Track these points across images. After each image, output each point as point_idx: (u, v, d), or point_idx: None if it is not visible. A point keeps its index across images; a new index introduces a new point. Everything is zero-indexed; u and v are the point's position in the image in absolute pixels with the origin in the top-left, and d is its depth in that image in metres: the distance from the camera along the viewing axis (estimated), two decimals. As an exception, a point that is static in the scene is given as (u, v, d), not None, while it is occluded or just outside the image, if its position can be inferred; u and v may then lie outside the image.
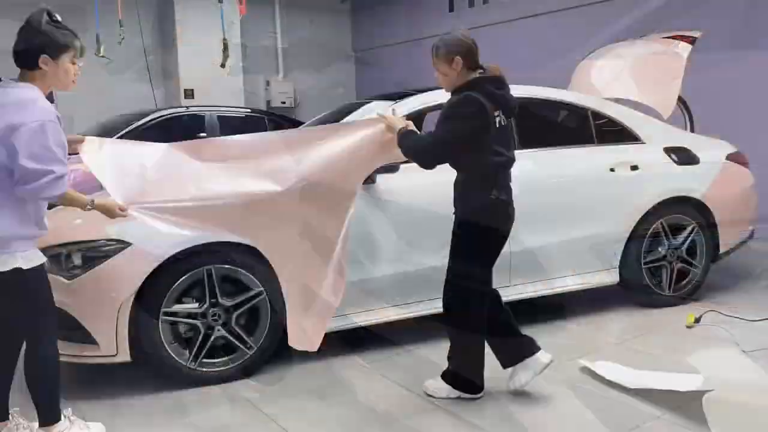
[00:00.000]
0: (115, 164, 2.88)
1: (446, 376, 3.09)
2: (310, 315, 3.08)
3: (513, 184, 3.07)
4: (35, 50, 2.48)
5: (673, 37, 4.90)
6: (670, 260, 4.29)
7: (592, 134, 4.28)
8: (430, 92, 4.01)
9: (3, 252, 2.38)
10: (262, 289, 3.30)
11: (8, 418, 2.75)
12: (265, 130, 7.33)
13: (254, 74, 10.49)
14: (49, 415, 2.64)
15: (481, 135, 2.84)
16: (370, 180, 3.49)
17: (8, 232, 2.38)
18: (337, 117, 4.28)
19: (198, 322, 3.23)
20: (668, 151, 4.34)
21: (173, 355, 3.19)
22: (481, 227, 2.94)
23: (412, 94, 3.99)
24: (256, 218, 2.91)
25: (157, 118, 6.73)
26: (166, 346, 3.17)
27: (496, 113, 2.89)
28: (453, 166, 2.96)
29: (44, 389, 2.62)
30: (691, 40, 4.83)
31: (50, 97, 2.65)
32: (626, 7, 7.33)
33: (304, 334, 3.09)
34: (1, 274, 2.38)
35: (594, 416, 2.85)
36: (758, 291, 4.69)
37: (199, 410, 3.01)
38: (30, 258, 2.45)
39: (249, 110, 7.97)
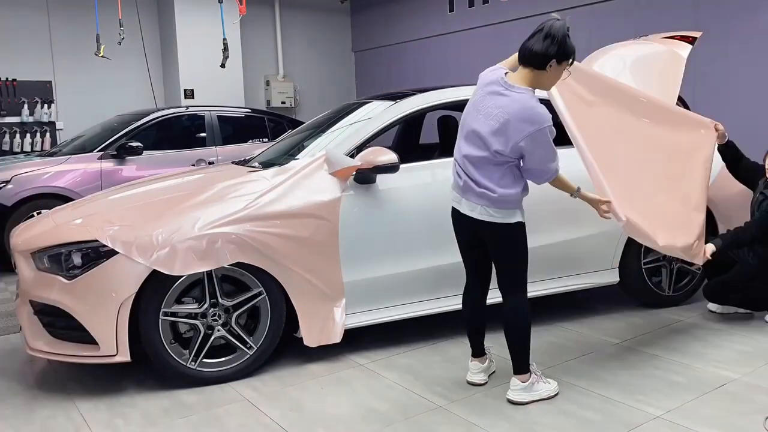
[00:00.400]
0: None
1: None
2: (323, 311, 3.43)
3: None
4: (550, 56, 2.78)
5: (673, 38, 4.89)
6: (669, 260, 4.30)
7: (592, 134, 4.27)
8: (430, 92, 4.01)
9: (513, 208, 2.85)
10: (262, 289, 3.30)
11: (484, 354, 3.23)
12: (265, 130, 7.36)
13: (254, 74, 10.50)
14: (518, 366, 2.99)
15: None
16: (369, 180, 3.50)
17: (517, 196, 2.86)
18: (337, 117, 4.29)
19: (198, 322, 3.23)
20: (668, 151, 4.33)
21: (173, 355, 3.19)
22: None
23: (412, 94, 3.99)
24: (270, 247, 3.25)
25: (157, 118, 6.74)
26: (166, 345, 3.17)
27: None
28: None
29: (514, 340, 2.98)
30: (691, 40, 4.82)
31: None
32: (626, 7, 7.34)
33: (321, 331, 3.42)
34: (507, 225, 2.86)
35: (594, 416, 2.85)
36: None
37: (199, 410, 3.01)
38: (523, 215, 2.94)
39: (249, 110, 7.98)
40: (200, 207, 3.28)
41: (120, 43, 6.85)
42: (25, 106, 8.57)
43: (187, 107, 7.12)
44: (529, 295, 3.91)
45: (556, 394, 3.03)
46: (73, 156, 6.30)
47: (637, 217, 3.17)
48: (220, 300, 3.25)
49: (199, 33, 9.31)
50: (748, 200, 4.63)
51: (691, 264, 4.37)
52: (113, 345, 3.08)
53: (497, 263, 3.00)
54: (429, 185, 3.74)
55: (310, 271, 3.36)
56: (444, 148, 4.72)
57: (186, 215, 3.21)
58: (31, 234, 3.41)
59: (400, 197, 3.60)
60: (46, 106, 8.70)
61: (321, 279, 3.39)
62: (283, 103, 10.65)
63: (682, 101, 4.81)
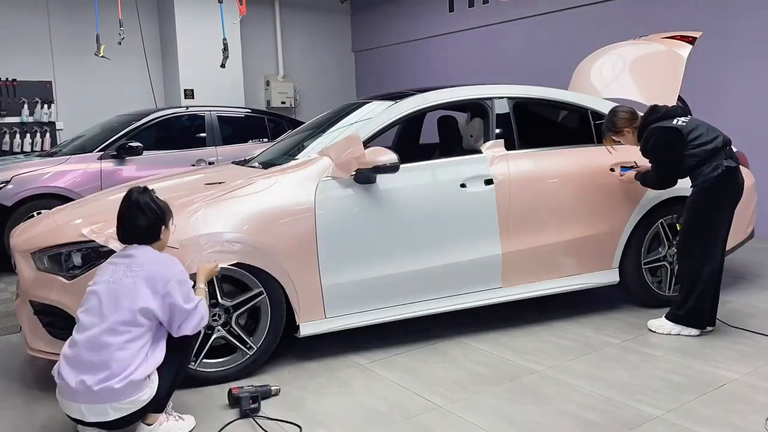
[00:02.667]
0: None
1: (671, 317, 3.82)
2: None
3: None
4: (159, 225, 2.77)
5: (673, 37, 4.89)
6: (670, 260, 4.30)
7: (592, 134, 4.28)
8: (430, 92, 4.02)
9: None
10: (262, 289, 3.30)
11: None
12: (265, 130, 7.36)
13: (254, 74, 10.50)
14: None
15: None
16: (369, 180, 3.49)
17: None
18: (337, 117, 4.29)
19: (198, 322, 3.23)
20: (668, 150, 4.34)
21: (173, 355, 3.19)
22: None
23: (412, 94, 4.00)
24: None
25: (157, 118, 6.74)
26: (166, 346, 3.16)
27: None
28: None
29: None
30: (691, 40, 4.82)
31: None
32: (626, 7, 7.34)
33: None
34: None
35: (594, 416, 2.85)
36: (758, 290, 4.69)
37: (199, 410, 3.01)
38: None
39: (249, 110, 7.98)
40: (200, 207, 3.27)
41: (120, 43, 6.85)
42: (25, 106, 8.58)
43: (187, 107, 7.12)
44: (529, 295, 3.96)
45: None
46: (73, 156, 6.30)
47: None
48: (220, 300, 3.24)
49: (199, 33, 9.32)
50: (748, 200, 4.64)
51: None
52: (113, 345, 3.07)
53: None
54: (428, 185, 3.74)
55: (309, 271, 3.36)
56: (444, 148, 4.73)
57: (186, 215, 3.21)
58: (31, 234, 3.41)
59: (400, 197, 3.60)
60: (46, 106, 8.70)
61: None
62: (283, 103, 10.66)
63: (682, 101, 4.82)
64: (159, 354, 2.62)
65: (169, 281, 2.61)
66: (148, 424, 2.70)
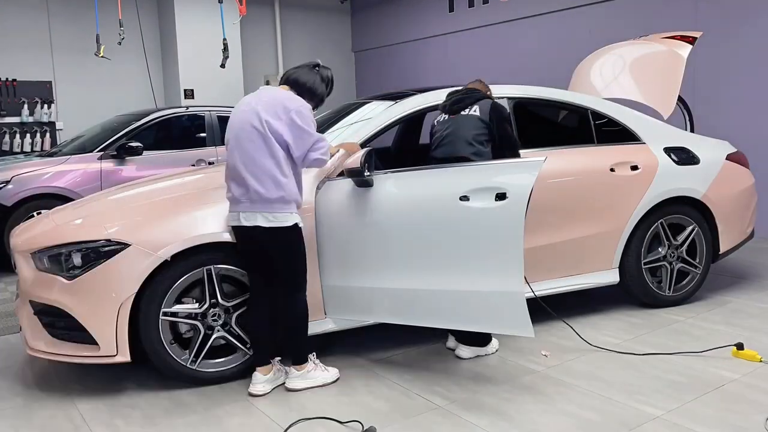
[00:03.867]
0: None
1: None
2: None
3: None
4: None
5: (673, 37, 4.90)
6: (670, 260, 4.30)
7: (592, 134, 4.28)
8: (430, 92, 4.01)
9: (288, 211, 3.00)
10: (262, 289, 3.30)
11: (269, 363, 3.22)
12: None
13: (254, 74, 10.50)
14: (296, 357, 3.20)
15: None
16: (366, 183, 3.46)
17: (295, 196, 3.03)
18: (337, 117, 4.29)
19: (198, 323, 3.23)
20: (668, 151, 4.34)
21: (173, 355, 3.19)
22: None
23: (412, 94, 3.99)
24: None
25: (157, 118, 6.74)
26: (166, 346, 3.17)
27: None
28: None
29: (295, 335, 3.18)
30: (692, 40, 4.82)
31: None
32: (626, 7, 7.34)
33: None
34: (284, 229, 3.00)
35: (594, 416, 2.85)
36: (758, 290, 4.69)
37: (199, 410, 3.01)
38: (299, 219, 3.08)
39: (249, 110, 7.97)
40: (200, 207, 3.27)
41: (120, 43, 6.86)
42: (25, 106, 8.58)
43: (187, 107, 7.12)
44: (531, 295, 3.95)
45: (335, 380, 3.25)
46: (73, 156, 6.30)
47: None
48: (220, 300, 3.24)
49: (199, 33, 9.32)
50: (748, 200, 4.64)
51: (692, 264, 4.38)
52: (113, 345, 3.08)
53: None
54: (425, 188, 3.72)
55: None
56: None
57: (186, 215, 3.21)
58: (31, 234, 3.41)
59: (397, 200, 3.58)
60: (46, 106, 8.70)
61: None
62: (283, 103, 10.64)
63: (682, 101, 4.82)
64: None
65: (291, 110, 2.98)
66: (298, 369, 3.17)
